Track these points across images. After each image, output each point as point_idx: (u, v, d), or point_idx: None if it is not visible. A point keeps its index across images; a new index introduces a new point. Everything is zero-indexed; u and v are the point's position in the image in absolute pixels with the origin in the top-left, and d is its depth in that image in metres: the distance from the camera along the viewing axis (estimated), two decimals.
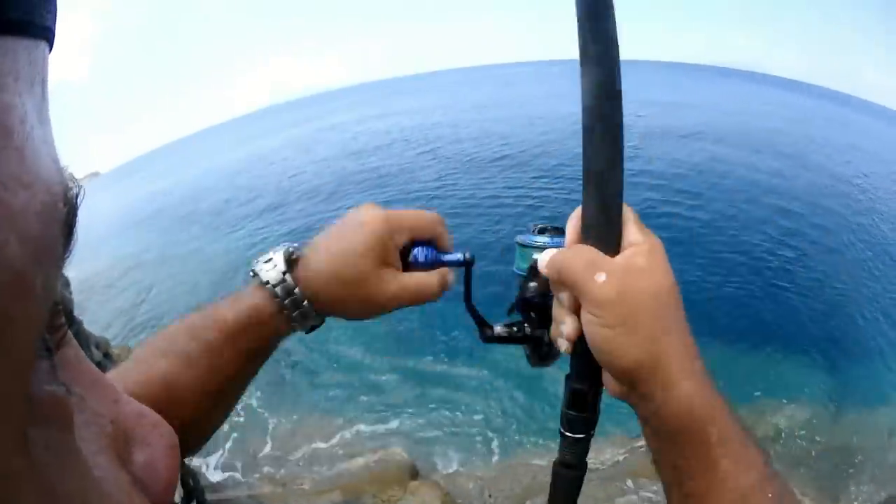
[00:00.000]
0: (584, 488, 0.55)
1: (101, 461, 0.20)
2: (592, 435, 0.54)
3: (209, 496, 0.56)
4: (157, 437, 0.24)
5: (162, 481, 0.23)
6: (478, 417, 5.66)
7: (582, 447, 0.54)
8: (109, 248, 13.82)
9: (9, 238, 0.14)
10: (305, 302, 0.54)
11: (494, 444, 5.34)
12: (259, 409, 6.25)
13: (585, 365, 0.51)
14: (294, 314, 0.54)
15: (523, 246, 0.59)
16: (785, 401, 5.75)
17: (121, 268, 12.08)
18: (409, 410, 5.99)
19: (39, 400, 0.16)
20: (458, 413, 5.80)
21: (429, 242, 0.58)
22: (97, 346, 5.63)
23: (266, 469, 5.37)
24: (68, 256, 0.17)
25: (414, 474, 4.46)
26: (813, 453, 5.04)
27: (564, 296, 0.50)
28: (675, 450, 0.47)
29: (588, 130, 0.49)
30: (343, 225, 0.57)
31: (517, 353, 0.63)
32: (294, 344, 7.29)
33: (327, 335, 7.27)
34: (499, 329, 0.60)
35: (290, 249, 0.56)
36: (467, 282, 0.60)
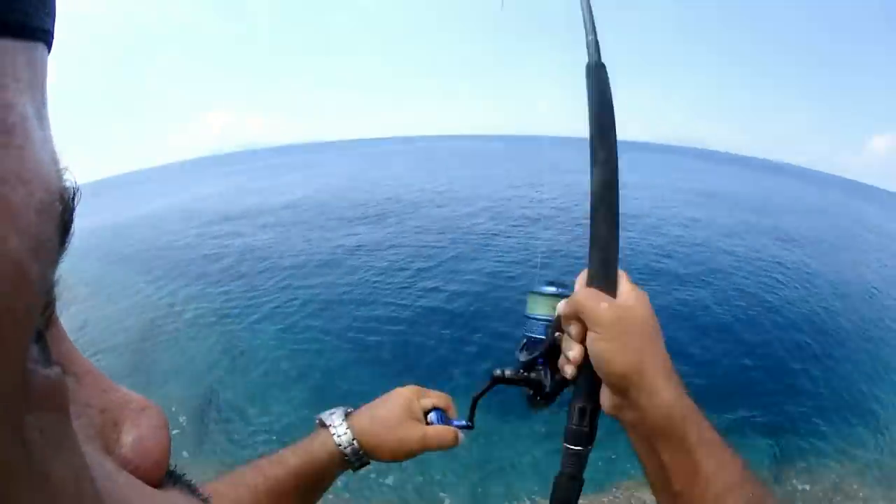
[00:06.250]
0: None
1: (87, 451, 0.20)
2: (591, 448, 0.64)
3: None
4: (144, 419, 0.24)
5: (151, 457, 0.24)
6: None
7: (582, 459, 0.63)
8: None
9: (8, 232, 0.14)
10: (361, 451, 0.76)
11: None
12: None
13: (587, 386, 0.63)
14: (352, 459, 0.76)
15: (542, 295, 0.74)
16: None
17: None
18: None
19: (35, 385, 0.16)
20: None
21: (443, 409, 0.82)
22: None
23: None
24: (64, 252, 0.18)
25: None
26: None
27: (573, 328, 0.63)
28: (659, 451, 0.56)
29: (594, 209, 0.66)
30: (387, 395, 0.82)
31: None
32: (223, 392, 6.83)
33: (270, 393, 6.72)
34: (508, 372, 0.74)
35: (347, 411, 0.79)
36: (475, 403, 0.81)
